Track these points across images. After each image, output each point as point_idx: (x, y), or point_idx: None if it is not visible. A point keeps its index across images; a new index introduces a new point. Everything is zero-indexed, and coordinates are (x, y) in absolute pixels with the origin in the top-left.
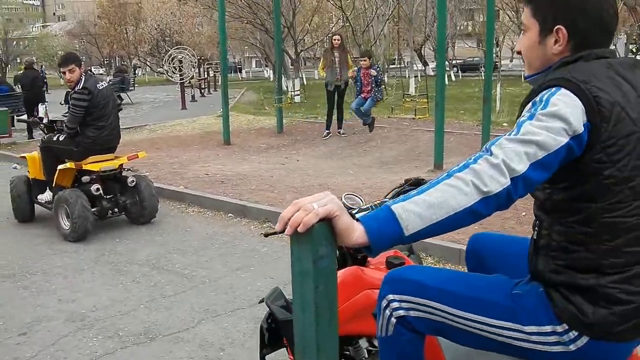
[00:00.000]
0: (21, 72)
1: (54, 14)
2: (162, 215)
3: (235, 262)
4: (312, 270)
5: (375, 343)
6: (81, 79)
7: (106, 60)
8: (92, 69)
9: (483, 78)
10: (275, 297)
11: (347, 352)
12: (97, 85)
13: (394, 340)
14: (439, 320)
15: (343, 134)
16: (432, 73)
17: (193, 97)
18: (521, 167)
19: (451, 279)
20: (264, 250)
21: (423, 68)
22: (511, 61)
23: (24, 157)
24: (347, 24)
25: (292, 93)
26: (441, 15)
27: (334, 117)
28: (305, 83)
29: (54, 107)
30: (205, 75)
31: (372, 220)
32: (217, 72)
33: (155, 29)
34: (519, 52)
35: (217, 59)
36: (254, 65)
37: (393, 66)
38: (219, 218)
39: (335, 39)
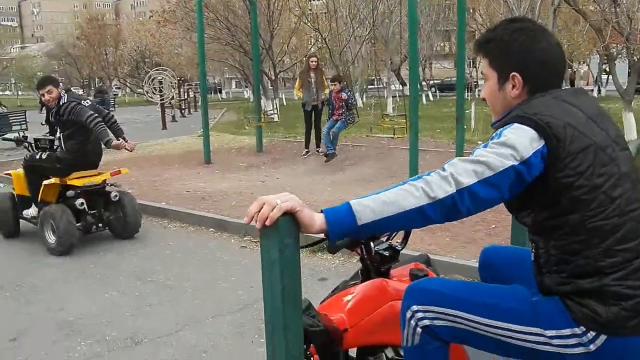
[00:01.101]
0: None
1: (33, 35)
2: (145, 230)
3: (216, 273)
4: (278, 258)
5: (402, 352)
6: (62, 95)
7: (85, 82)
8: (72, 89)
9: None
10: (305, 308)
11: None
12: (82, 101)
13: (420, 349)
14: (464, 328)
15: (322, 152)
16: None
17: (173, 117)
18: (467, 180)
19: (471, 289)
20: (244, 262)
21: (401, 88)
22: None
23: (9, 174)
24: (325, 45)
25: (269, 112)
26: (412, 38)
27: (312, 136)
28: (284, 103)
29: (35, 127)
30: (185, 96)
31: (332, 211)
32: (196, 92)
33: (135, 50)
34: (484, 99)
35: (197, 80)
36: (233, 86)
37: (372, 86)
38: (200, 232)
39: (312, 61)
